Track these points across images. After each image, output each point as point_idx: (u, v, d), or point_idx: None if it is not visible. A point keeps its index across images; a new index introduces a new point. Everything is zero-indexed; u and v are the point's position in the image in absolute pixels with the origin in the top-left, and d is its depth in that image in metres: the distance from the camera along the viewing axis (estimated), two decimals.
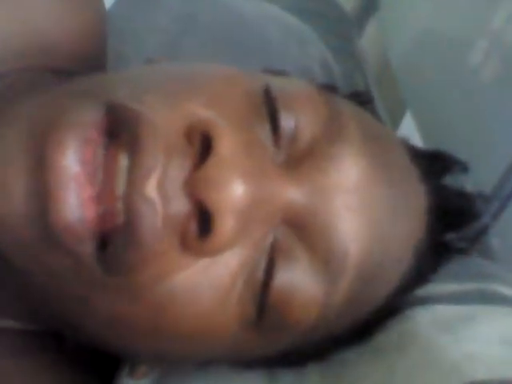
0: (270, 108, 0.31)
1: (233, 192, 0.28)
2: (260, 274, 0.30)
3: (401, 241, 0.34)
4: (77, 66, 0.40)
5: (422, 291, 0.38)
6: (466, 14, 0.68)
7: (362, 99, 0.40)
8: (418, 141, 0.70)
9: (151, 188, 0.27)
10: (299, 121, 0.31)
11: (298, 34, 0.63)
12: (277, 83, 0.33)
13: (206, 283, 0.29)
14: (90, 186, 0.27)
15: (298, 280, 0.30)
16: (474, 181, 0.45)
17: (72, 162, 0.27)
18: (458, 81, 0.66)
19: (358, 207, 0.31)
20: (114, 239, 0.28)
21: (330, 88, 0.38)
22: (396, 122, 0.85)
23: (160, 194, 0.27)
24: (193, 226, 0.28)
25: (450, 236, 0.40)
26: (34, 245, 0.28)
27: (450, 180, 0.41)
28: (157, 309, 0.29)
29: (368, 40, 0.91)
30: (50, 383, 0.36)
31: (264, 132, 0.31)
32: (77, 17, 0.41)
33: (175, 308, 0.29)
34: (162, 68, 0.35)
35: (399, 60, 0.81)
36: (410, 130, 0.79)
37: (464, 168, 0.41)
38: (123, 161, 0.28)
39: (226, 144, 0.28)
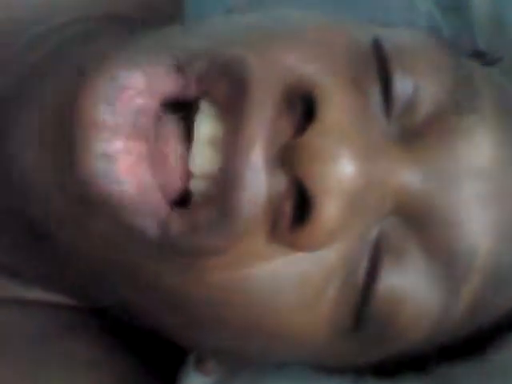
0: (382, 67, 0.25)
1: (341, 169, 0.22)
2: (361, 274, 0.25)
3: None
4: (146, 13, 0.35)
5: None
6: None
7: (486, 61, 0.33)
8: None
9: (257, 154, 0.22)
10: (419, 85, 0.26)
11: None
12: (390, 36, 0.27)
13: (293, 279, 0.24)
14: (124, 136, 0.23)
15: (409, 285, 0.25)
16: None
17: (102, 108, 0.23)
18: None
19: (491, 196, 0.25)
20: (197, 219, 0.23)
21: (449, 45, 0.31)
22: None
23: (266, 163, 0.23)
24: (287, 210, 0.23)
25: None
26: (70, 207, 0.24)
27: None
28: (229, 300, 0.25)
29: None
30: (100, 362, 0.33)
31: (374, 97, 0.25)
32: None
33: (252, 302, 0.25)
34: (249, 18, 0.29)
35: None
36: None
37: None
38: (204, 126, 0.24)
39: (333, 108, 0.23)
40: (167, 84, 0.24)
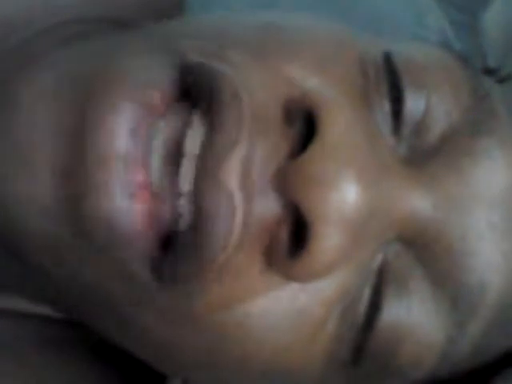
0: (393, 83, 0.24)
1: (343, 195, 0.20)
2: (363, 306, 0.23)
3: None
4: (143, 16, 0.33)
5: None
6: None
7: (497, 78, 0.32)
8: None
9: (229, 173, 0.20)
10: (431, 103, 0.24)
11: (416, 2, 0.54)
12: (401, 49, 0.25)
13: (292, 314, 0.22)
14: (146, 168, 0.20)
15: (413, 318, 0.23)
16: None
17: (124, 135, 0.20)
18: None
19: (506, 228, 0.23)
20: (176, 244, 0.21)
21: (463, 60, 0.29)
22: None
23: (242, 184, 0.20)
24: (283, 237, 0.21)
25: None
26: (61, 243, 0.22)
27: None
28: (224, 341, 0.23)
29: (493, 16, 0.81)
30: (77, 376, 0.31)
31: (383, 115, 0.23)
32: None
33: (248, 342, 0.23)
34: (251, 16, 0.27)
35: None
36: None
37: None
38: (193, 141, 0.21)
39: (337, 127, 0.21)
40: (173, 97, 0.21)
